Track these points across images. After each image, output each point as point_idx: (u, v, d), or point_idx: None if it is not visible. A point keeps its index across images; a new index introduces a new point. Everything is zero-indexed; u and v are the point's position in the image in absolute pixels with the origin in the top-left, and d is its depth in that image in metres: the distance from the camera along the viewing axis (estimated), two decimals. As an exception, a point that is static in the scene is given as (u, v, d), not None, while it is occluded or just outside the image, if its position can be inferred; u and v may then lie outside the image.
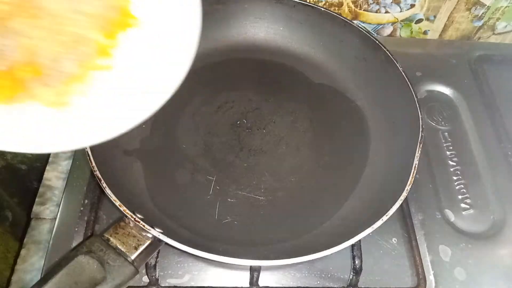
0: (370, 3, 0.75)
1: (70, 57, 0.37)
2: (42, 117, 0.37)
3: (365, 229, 0.45)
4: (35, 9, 0.36)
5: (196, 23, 0.37)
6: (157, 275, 0.49)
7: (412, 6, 0.75)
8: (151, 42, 0.39)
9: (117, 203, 0.43)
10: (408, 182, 0.48)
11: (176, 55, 0.38)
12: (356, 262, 0.51)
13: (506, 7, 0.76)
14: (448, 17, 0.78)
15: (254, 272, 0.50)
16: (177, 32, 0.38)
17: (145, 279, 0.51)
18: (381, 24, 0.79)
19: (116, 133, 0.36)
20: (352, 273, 0.52)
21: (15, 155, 0.81)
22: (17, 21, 0.36)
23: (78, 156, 0.60)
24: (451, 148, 0.66)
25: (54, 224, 0.54)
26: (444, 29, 0.81)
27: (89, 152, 0.46)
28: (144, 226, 0.43)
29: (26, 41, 0.36)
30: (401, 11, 0.76)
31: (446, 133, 0.68)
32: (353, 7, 0.75)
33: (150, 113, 0.37)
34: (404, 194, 0.48)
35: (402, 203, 0.47)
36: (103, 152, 0.48)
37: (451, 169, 0.64)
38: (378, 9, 0.76)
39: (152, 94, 0.38)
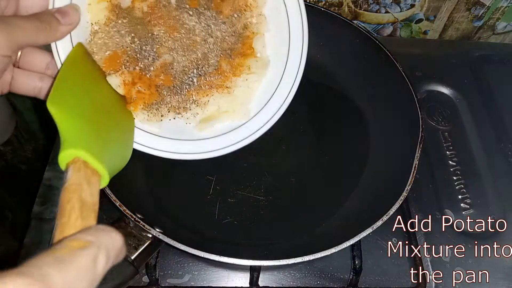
0: (370, 3, 0.75)
1: (194, 72, 0.40)
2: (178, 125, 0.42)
3: (365, 229, 0.45)
4: (175, 21, 0.39)
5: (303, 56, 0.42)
6: (157, 275, 0.49)
7: (412, 6, 0.75)
8: (267, 72, 0.42)
9: (117, 203, 0.43)
10: (408, 182, 0.48)
11: (285, 81, 0.42)
12: (356, 262, 0.51)
13: (506, 7, 0.76)
14: (448, 17, 0.78)
15: (254, 272, 0.50)
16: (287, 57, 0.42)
17: (145, 279, 0.51)
18: (381, 24, 0.79)
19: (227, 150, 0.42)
20: (352, 273, 0.52)
21: (15, 155, 0.81)
22: (158, 29, 0.39)
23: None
24: (451, 148, 0.66)
25: (54, 224, 0.54)
26: (444, 29, 0.81)
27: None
28: (144, 226, 0.43)
29: (163, 50, 0.39)
30: (401, 11, 0.76)
31: (446, 133, 0.68)
32: (353, 7, 0.75)
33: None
34: (404, 194, 0.48)
35: (402, 203, 0.47)
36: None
37: (451, 169, 0.64)
38: (378, 9, 0.76)
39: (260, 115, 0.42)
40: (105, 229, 0.24)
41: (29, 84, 0.37)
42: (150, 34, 0.39)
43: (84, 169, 0.28)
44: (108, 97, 0.38)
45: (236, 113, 0.42)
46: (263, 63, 0.42)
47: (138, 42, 0.39)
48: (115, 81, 0.39)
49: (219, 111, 0.42)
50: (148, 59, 0.39)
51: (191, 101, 0.41)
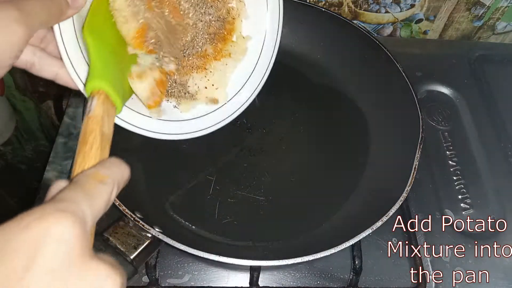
0: (370, 3, 0.75)
1: (180, 53, 0.41)
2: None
3: (365, 229, 0.45)
4: (174, 1, 0.39)
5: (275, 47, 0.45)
6: (157, 275, 0.49)
7: (412, 6, 0.75)
8: (244, 54, 0.45)
9: (117, 202, 0.43)
10: (408, 182, 0.48)
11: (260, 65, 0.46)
12: (356, 262, 0.51)
13: (506, 7, 0.76)
14: (448, 17, 0.78)
15: (254, 272, 0.50)
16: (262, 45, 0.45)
17: (145, 279, 0.51)
18: (381, 24, 0.79)
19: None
20: (352, 273, 0.52)
21: (15, 155, 0.81)
22: (163, 9, 0.39)
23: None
24: (451, 148, 0.66)
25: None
26: (444, 29, 0.81)
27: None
28: (143, 225, 0.43)
29: (161, 32, 0.40)
30: (401, 11, 0.76)
31: (446, 133, 0.68)
32: (353, 7, 0.75)
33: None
34: (404, 194, 0.48)
35: (402, 203, 0.47)
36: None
37: (451, 169, 0.64)
38: (378, 9, 0.76)
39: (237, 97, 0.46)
40: (116, 163, 0.27)
41: (21, 57, 0.34)
42: (155, 14, 0.39)
43: (106, 103, 0.30)
44: (123, 41, 0.39)
45: (215, 95, 0.44)
46: (240, 49, 0.44)
47: (155, 19, 0.39)
48: (141, 86, 0.39)
49: (200, 93, 0.44)
50: (155, 41, 0.39)
51: (174, 82, 0.42)
